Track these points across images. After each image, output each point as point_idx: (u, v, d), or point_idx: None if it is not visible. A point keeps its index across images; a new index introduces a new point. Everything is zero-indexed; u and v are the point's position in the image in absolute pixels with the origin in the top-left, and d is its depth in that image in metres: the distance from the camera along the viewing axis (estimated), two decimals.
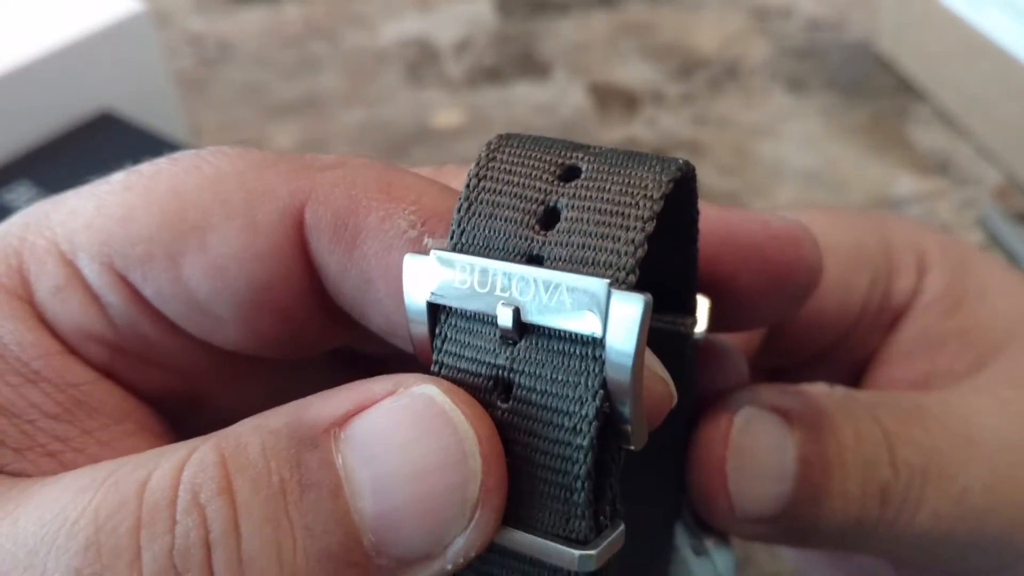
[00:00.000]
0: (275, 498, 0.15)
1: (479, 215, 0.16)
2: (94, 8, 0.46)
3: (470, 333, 0.16)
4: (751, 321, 0.23)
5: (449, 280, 0.16)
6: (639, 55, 0.63)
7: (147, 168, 0.19)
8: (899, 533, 0.22)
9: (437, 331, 0.16)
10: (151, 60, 0.49)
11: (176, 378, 0.20)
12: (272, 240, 0.18)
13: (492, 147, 0.17)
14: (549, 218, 0.16)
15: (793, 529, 0.21)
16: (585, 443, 0.15)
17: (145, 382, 0.19)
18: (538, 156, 0.17)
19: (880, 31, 0.61)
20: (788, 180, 0.53)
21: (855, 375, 0.27)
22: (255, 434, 0.15)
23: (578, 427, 0.15)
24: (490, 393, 0.16)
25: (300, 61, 0.64)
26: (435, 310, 0.16)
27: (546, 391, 0.15)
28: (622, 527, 0.16)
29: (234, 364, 0.20)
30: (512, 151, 0.17)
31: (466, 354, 0.16)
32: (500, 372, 0.16)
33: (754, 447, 0.21)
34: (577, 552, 0.15)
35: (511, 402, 0.16)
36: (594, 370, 0.15)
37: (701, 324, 0.21)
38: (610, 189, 0.16)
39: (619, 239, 0.15)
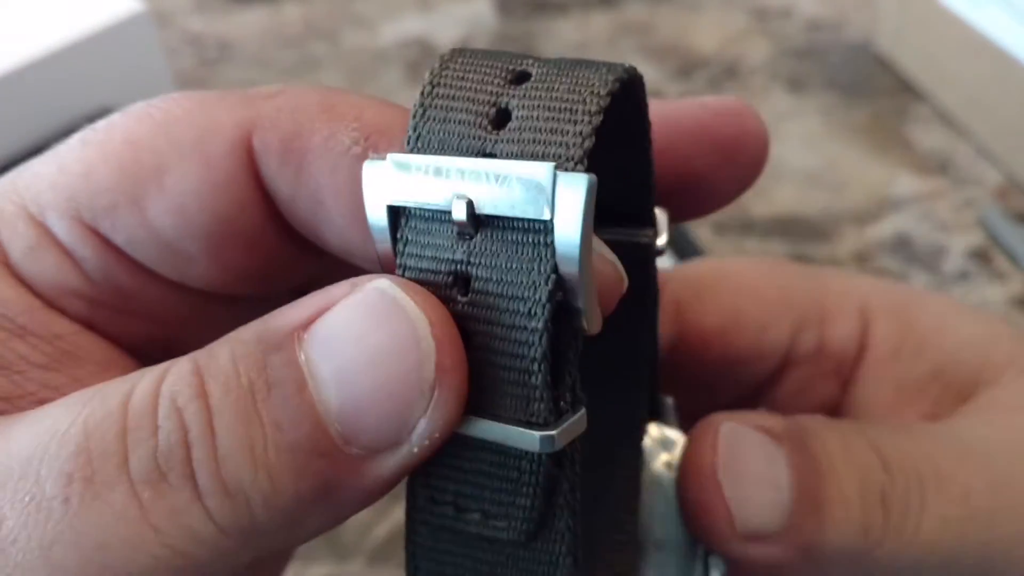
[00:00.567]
0: (244, 398, 0.16)
1: (433, 119, 0.17)
2: (94, 8, 0.46)
3: (429, 233, 0.17)
4: (711, 203, 0.23)
5: (405, 181, 0.16)
6: (639, 55, 0.63)
7: (101, 124, 0.19)
8: (908, 544, 0.21)
9: (399, 236, 0.17)
10: (151, 60, 0.49)
11: (154, 326, 0.20)
12: (225, 171, 0.18)
13: (445, 58, 0.17)
14: (501, 118, 0.17)
15: (799, 546, 0.21)
16: (539, 326, 0.16)
17: (125, 333, 0.20)
18: (489, 64, 0.17)
19: (880, 31, 0.61)
20: (788, 180, 0.53)
21: None
22: (226, 345, 0.16)
23: (532, 311, 0.16)
24: (450, 288, 0.16)
25: (300, 61, 0.64)
26: (396, 216, 0.17)
27: (502, 280, 0.16)
28: (583, 411, 0.17)
29: (209, 308, 0.21)
30: (465, 60, 0.17)
31: (426, 254, 0.17)
32: (459, 267, 0.16)
33: (744, 455, 0.21)
34: (537, 434, 0.16)
35: (470, 294, 0.16)
36: (546, 256, 0.16)
37: (662, 235, 0.22)
38: (558, 88, 0.16)
39: (567, 132, 0.16)
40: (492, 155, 0.16)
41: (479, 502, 0.17)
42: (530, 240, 0.16)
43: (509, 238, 0.16)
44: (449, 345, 0.16)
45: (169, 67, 0.51)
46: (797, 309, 0.25)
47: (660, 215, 0.22)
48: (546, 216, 0.15)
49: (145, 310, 0.20)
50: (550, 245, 0.15)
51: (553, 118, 0.16)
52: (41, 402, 0.18)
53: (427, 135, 0.17)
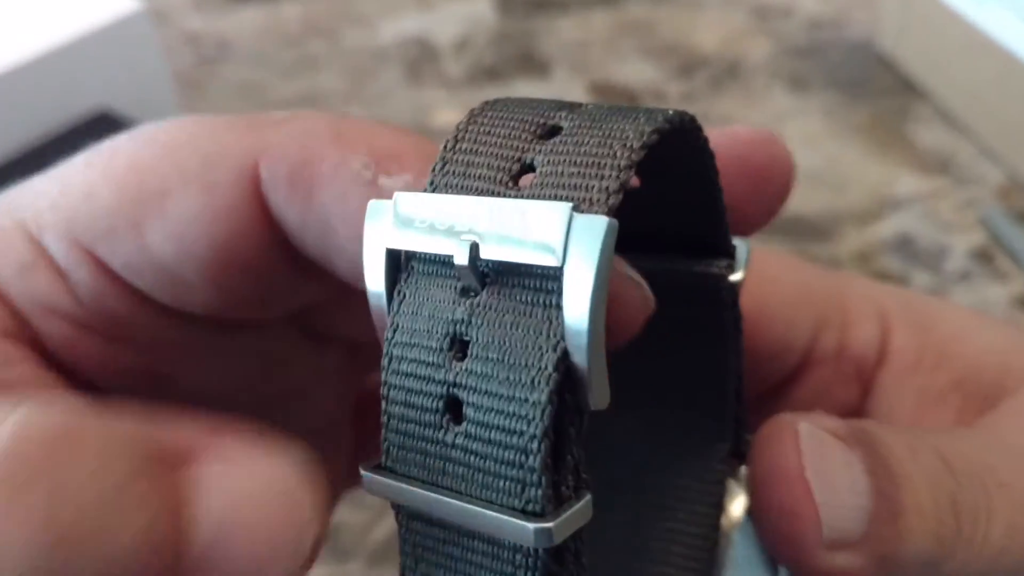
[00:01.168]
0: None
1: (452, 173, 0.16)
2: (93, 8, 0.46)
3: (428, 288, 0.15)
4: (740, 230, 0.22)
5: (409, 223, 0.15)
6: (640, 54, 0.63)
7: (106, 146, 0.19)
8: (978, 554, 0.20)
9: (396, 290, 0.16)
10: (150, 59, 0.48)
11: (143, 355, 0.20)
12: (229, 199, 0.18)
13: (474, 112, 0.16)
14: (523, 174, 0.15)
15: (878, 555, 0.20)
16: (543, 399, 0.14)
17: (112, 360, 0.20)
18: (519, 117, 0.16)
19: (881, 30, 0.61)
20: None
21: None
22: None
23: (536, 381, 0.14)
24: (445, 353, 0.15)
25: (299, 60, 0.64)
26: (395, 266, 0.16)
27: (504, 345, 0.14)
28: (588, 498, 0.15)
29: (204, 334, 0.20)
30: (494, 114, 0.16)
31: (423, 312, 0.15)
32: (458, 327, 0.15)
33: (826, 458, 0.20)
34: (532, 526, 0.14)
35: (467, 360, 0.15)
36: (555, 318, 0.14)
37: (739, 269, 0.20)
38: (588, 142, 0.15)
39: (592, 188, 0.14)
40: None
41: None
42: (540, 300, 0.14)
43: (517, 296, 0.14)
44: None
45: (168, 66, 0.51)
46: (819, 307, 0.25)
47: (740, 247, 0.20)
48: (556, 262, 0.14)
49: (136, 336, 0.20)
50: (560, 306, 0.14)
51: (579, 173, 0.15)
52: None
53: (444, 188, 0.16)
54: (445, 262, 0.15)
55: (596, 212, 0.14)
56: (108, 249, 0.18)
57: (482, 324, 0.14)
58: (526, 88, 0.61)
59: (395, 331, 0.15)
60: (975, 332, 0.25)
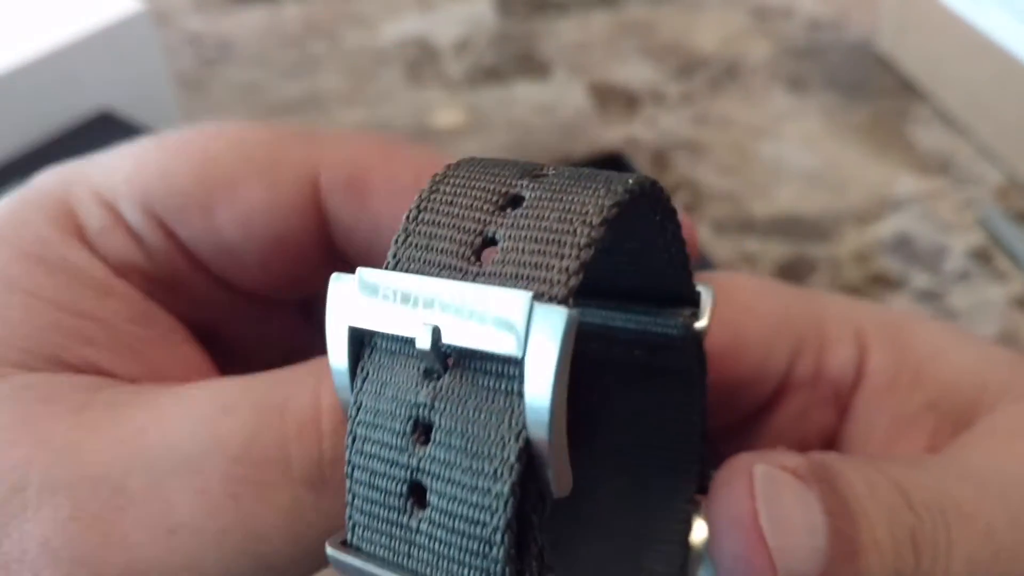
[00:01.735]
0: None
1: (414, 246, 0.16)
2: (94, 8, 0.46)
3: (392, 369, 0.15)
4: None
5: (371, 302, 0.15)
6: (639, 55, 0.63)
7: (176, 134, 0.22)
8: None
9: (360, 368, 0.16)
10: (151, 60, 0.49)
11: (197, 310, 0.23)
12: (291, 197, 0.21)
13: (436, 179, 0.16)
14: (485, 247, 0.15)
15: None
16: (505, 490, 0.14)
17: (174, 311, 0.22)
18: (482, 186, 0.16)
19: (881, 31, 0.61)
20: (788, 180, 0.53)
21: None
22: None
23: (499, 472, 0.14)
24: (407, 436, 0.15)
25: (300, 61, 0.64)
26: (358, 344, 0.16)
27: (467, 433, 0.14)
28: None
29: (244, 303, 0.23)
30: (457, 181, 0.16)
31: (386, 392, 0.15)
32: (420, 411, 0.15)
33: (780, 499, 0.20)
34: None
35: (430, 445, 0.15)
36: (517, 407, 0.14)
37: (703, 316, 0.20)
38: (548, 217, 0.15)
39: (552, 267, 0.14)
40: None
41: None
42: (501, 387, 0.14)
43: (479, 382, 0.14)
44: None
45: (169, 67, 0.51)
46: (796, 332, 0.24)
47: (705, 294, 0.20)
48: (517, 354, 0.14)
49: (193, 295, 0.22)
50: (521, 394, 0.14)
51: (540, 251, 0.14)
52: (133, 352, 0.20)
53: (406, 262, 0.16)
54: (408, 341, 0.15)
55: (557, 293, 0.14)
56: (178, 222, 0.21)
57: (445, 409, 0.14)
58: (526, 88, 0.61)
59: (358, 410, 0.15)
60: (951, 351, 0.24)
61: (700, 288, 0.20)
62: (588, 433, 0.15)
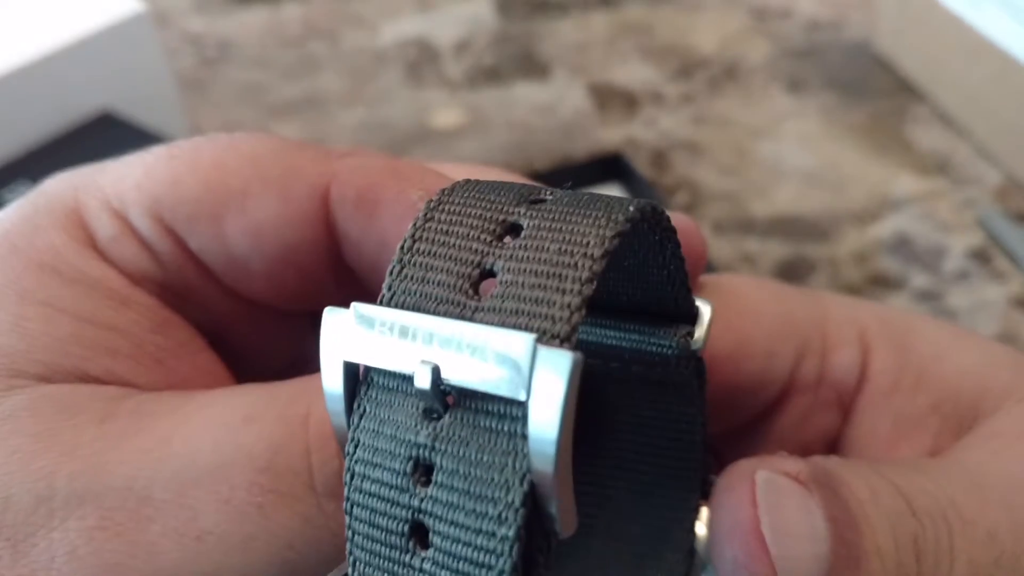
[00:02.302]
0: None
1: (410, 279, 0.15)
2: (94, 8, 0.46)
3: (390, 406, 0.15)
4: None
5: (367, 337, 0.15)
6: (639, 55, 0.63)
7: (186, 143, 0.22)
8: None
9: (356, 405, 0.15)
10: (151, 60, 0.49)
11: (206, 319, 0.23)
12: (302, 210, 0.21)
13: (431, 206, 0.16)
14: (483, 279, 0.15)
15: None
16: (511, 534, 0.13)
17: (186, 320, 0.22)
18: (478, 213, 0.15)
19: (879, 31, 0.61)
20: (787, 180, 0.53)
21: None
22: None
23: (503, 516, 0.13)
24: (408, 476, 0.14)
25: (300, 61, 0.64)
26: (354, 379, 0.15)
27: (470, 474, 0.14)
28: None
29: (251, 313, 0.23)
30: (452, 208, 0.16)
31: (385, 431, 0.15)
32: (421, 452, 0.14)
33: (782, 506, 0.20)
34: None
35: (432, 487, 0.14)
36: (521, 450, 0.13)
37: (699, 331, 0.20)
38: (548, 248, 0.14)
39: (554, 303, 0.14)
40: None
41: None
42: (504, 428, 0.14)
43: (481, 423, 0.14)
44: None
45: (169, 67, 0.51)
46: (799, 336, 0.24)
47: (704, 309, 0.20)
48: (521, 397, 0.13)
49: (203, 303, 0.22)
50: (525, 436, 0.13)
51: (540, 285, 0.14)
52: (157, 362, 0.20)
53: (401, 295, 0.15)
54: (406, 378, 0.15)
55: (560, 331, 0.14)
56: (187, 231, 0.21)
57: (446, 450, 0.14)
58: (526, 89, 0.61)
59: (356, 447, 0.15)
60: (954, 352, 0.24)
61: (699, 303, 0.20)
62: (588, 444, 0.15)
